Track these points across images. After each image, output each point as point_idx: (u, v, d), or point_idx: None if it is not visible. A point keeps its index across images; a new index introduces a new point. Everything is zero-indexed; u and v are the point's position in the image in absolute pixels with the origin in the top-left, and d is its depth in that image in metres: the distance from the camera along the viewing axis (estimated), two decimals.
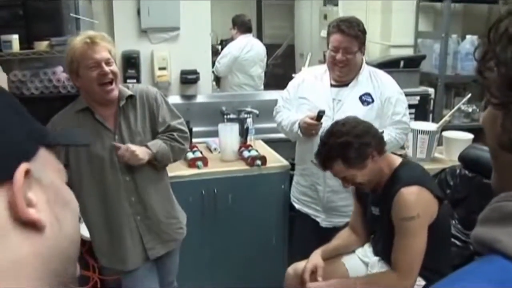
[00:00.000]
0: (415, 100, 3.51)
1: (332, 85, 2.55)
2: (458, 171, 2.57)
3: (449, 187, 2.57)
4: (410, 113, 2.64)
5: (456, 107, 3.29)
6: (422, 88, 3.68)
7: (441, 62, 3.60)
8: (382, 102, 2.50)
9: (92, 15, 3.27)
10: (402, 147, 3.00)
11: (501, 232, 0.59)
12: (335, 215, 2.58)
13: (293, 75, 3.55)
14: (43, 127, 0.55)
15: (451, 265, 2.10)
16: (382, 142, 2.02)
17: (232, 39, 4.55)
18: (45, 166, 0.52)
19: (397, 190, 1.91)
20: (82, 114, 2.10)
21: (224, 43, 4.88)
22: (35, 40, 2.91)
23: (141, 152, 2.10)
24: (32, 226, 0.47)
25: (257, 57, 4.45)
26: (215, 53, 4.30)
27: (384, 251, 2.08)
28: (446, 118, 3.14)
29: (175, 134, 2.21)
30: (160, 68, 3.43)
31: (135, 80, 3.24)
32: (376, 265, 2.14)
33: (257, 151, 3.07)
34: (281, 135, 2.86)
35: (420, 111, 3.54)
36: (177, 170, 2.79)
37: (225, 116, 3.52)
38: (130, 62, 3.31)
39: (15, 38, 2.84)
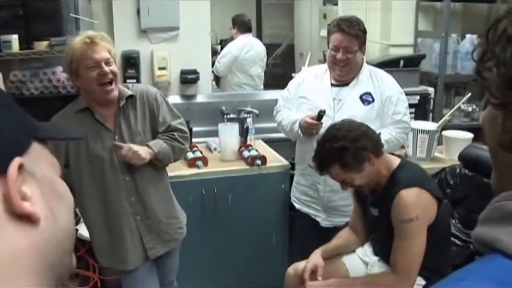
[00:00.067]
0: (415, 99, 3.51)
1: (332, 85, 2.54)
2: (458, 170, 2.57)
3: (449, 186, 2.57)
4: (410, 113, 2.64)
5: (456, 107, 3.29)
6: (422, 88, 3.69)
7: (441, 61, 3.60)
8: (382, 101, 2.49)
9: (92, 15, 3.27)
10: (402, 147, 3.00)
11: (501, 232, 0.59)
12: (335, 214, 2.58)
13: (293, 74, 3.55)
14: (35, 121, 0.55)
15: (451, 265, 2.10)
16: (379, 144, 2.02)
17: (232, 38, 4.54)
18: (39, 160, 0.52)
19: (396, 192, 1.90)
20: (82, 114, 2.10)
21: (223, 43, 4.88)
22: (34, 40, 2.91)
23: (143, 152, 2.10)
24: (27, 219, 0.48)
25: (257, 57, 4.45)
26: (214, 53, 4.29)
27: (383, 252, 2.08)
28: (446, 117, 3.14)
29: (175, 134, 2.21)
30: (160, 68, 3.43)
31: (135, 80, 3.24)
32: (376, 264, 2.14)
33: (257, 150, 3.07)
34: (281, 135, 2.86)
35: (420, 110, 3.54)
36: (177, 170, 2.79)
37: (225, 116, 3.51)
38: (130, 62, 3.31)
39: (14, 38, 2.84)
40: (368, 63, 2.66)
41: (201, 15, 3.52)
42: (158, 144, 2.15)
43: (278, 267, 2.85)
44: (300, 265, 2.24)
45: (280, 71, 5.37)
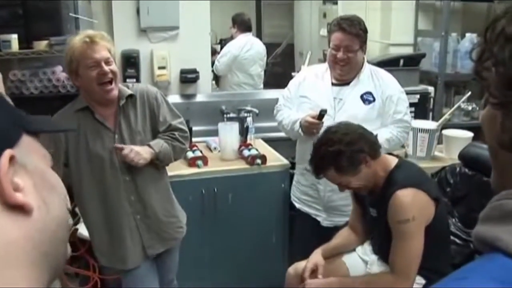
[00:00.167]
0: (415, 98, 3.51)
1: (333, 84, 2.54)
2: (458, 169, 2.57)
3: (449, 185, 2.57)
4: (410, 112, 2.64)
5: (456, 106, 3.29)
6: (422, 87, 3.69)
7: (441, 60, 3.60)
8: (383, 100, 2.49)
9: (91, 15, 3.27)
10: (402, 146, 3.00)
11: (502, 230, 0.59)
12: (335, 214, 2.58)
13: (293, 74, 3.55)
14: (25, 114, 0.55)
15: (451, 264, 2.10)
16: (376, 146, 2.01)
17: (231, 38, 4.54)
18: (30, 152, 0.53)
19: (392, 193, 1.90)
20: (81, 113, 2.10)
21: (223, 42, 4.88)
22: (34, 39, 2.90)
23: (145, 152, 2.10)
24: (20, 209, 0.48)
25: (256, 56, 4.45)
26: (214, 52, 4.29)
27: (382, 252, 2.08)
28: (446, 116, 3.14)
29: (176, 133, 2.21)
30: (160, 68, 3.43)
31: (134, 80, 3.24)
32: (376, 263, 2.14)
33: (257, 150, 3.07)
34: (281, 134, 2.86)
35: (420, 109, 3.54)
36: (177, 169, 2.79)
37: (225, 115, 3.51)
38: (130, 61, 3.31)
39: (14, 37, 2.84)
40: (368, 62, 2.66)
41: (201, 14, 3.52)
42: (159, 144, 2.15)
43: (278, 266, 2.86)
44: (300, 264, 2.24)
45: (280, 70, 5.37)
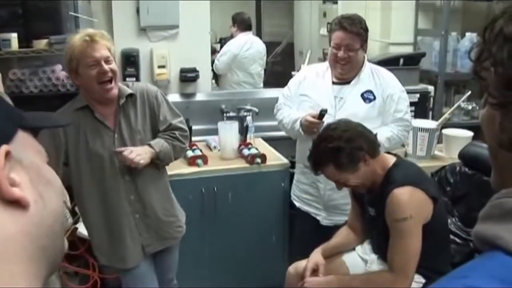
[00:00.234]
0: (415, 97, 3.50)
1: (333, 83, 2.54)
2: (458, 168, 2.57)
3: (449, 184, 2.57)
4: (410, 111, 2.64)
5: (456, 105, 3.29)
6: (421, 86, 3.69)
7: (441, 59, 3.60)
8: (384, 99, 2.49)
9: (91, 14, 3.26)
10: (402, 145, 3.00)
11: (502, 229, 0.59)
12: (336, 213, 2.58)
13: (293, 73, 3.55)
14: (19, 110, 0.56)
15: (451, 263, 2.10)
16: (375, 145, 2.01)
17: (231, 37, 4.54)
18: (25, 147, 0.53)
19: (390, 191, 1.90)
20: (81, 112, 2.10)
21: (223, 41, 4.87)
22: (34, 38, 2.90)
23: (145, 152, 2.09)
24: (17, 204, 0.48)
25: (256, 55, 4.45)
26: (213, 52, 4.29)
27: (382, 251, 2.08)
28: (446, 115, 3.14)
29: (176, 133, 2.21)
30: (160, 66, 3.43)
31: (134, 79, 3.23)
32: (375, 262, 2.14)
33: (257, 149, 3.07)
34: (281, 133, 2.85)
35: (420, 108, 3.54)
36: (177, 168, 2.79)
37: (224, 114, 3.51)
38: (129, 60, 3.31)
39: (14, 36, 2.83)
40: (368, 61, 2.66)
41: (201, 13, 3.52)
42: (160, 144, 2.15)
43: (278, 265, 2.86)
44: (300, 264, 2.24)
45: (279, 69, 5.37)
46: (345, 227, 2.33)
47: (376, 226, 2.09)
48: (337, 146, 1.92)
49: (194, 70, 3.51)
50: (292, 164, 2.91)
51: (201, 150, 3.05)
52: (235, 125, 3.09)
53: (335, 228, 2.42)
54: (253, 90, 4.16)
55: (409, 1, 3.87)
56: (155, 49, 3.42)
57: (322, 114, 2.38)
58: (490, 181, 0.70)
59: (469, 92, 3.27)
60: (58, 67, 2.99)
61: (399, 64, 3.59)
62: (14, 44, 2.84)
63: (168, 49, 3.44)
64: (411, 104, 2.66)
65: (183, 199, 2.52)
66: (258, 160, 2.94)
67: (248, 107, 3.55)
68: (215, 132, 3.15)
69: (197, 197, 2.88)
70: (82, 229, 2.55)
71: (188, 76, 3.50)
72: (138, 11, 3.34)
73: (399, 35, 3.90)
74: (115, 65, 2.06)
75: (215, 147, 3.19)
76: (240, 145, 3.09)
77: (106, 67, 2.00)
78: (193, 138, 3.08)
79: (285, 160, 3.04)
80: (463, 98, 3.26)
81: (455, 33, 3.67)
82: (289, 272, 2.31)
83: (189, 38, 3.49)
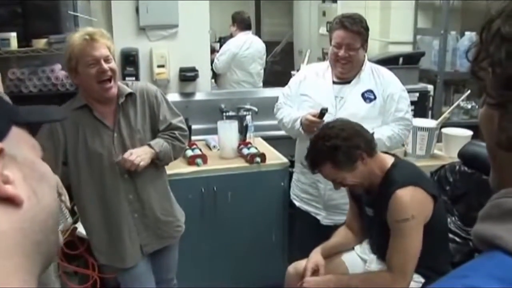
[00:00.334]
0: (414, 97, 3.50)
1: (334, 82, 2.54)
2: (457, 167, 2.57)
3: (449, 183, 2.57)
4: (410, 110, 2.64)
5: (455, 104, 3.29)
6: (421, 85, 3.69)
7: (440, 58, 3.60)
8: (384, 99, 2.49)
9: (91, 13, 3.26)
10: (402, 144, 3.00)
11: (501, 229, 0.59)
12: (336, 212, 2.58)
13: (292, 72, 3.55)
14: (13, 106, 0.55)
15: (451, 262, 2.10)
16: (373, 144, 2.01)
17: (231, 36, 4.54)
18: (19, 143, 0.53)
19: (392, 192, 1.89)
20: (80, 111, 2.09)
21: (222, 40, 4.87)
22: (33, 37, 2.90)
23: (145, 153, 2.09)
24: (10, 202, 0.48)
25: (256, 54, 4.45)
26: (213, 51, 4.29)
27: (381, 251, 2.08)
28: (446, 114, 3.14)
29: (176, 132, 2.21)
30: (159, 66, 3.43)
31: (133, 78, 3.23)
32: (374, 261, 2.14)
33: (256, 148, 3.07)
34: (281, 132, 2.85)
35: (419, 107, 3.54)
36: (177, 167, 2.79)
37: (224, 114, 3.51)
38: (129, 59, 3.31)
39: (13, 36, 2.83)
40: (368, 60, 2.66)
41: (200, 12, 3.51)
42: (160, 144, 2.15)
43: (277, 265, 2.86)
44: (300, 264, 2.24)
45: (279, 69, 5.37)
46: (343, 227, 2.32)
47: (374, 227, 2.09)
48: (334, 145, 1.92)
49: (193, 69, 3.50)
50: (292, 164, 2.91)
51: (200, 150, 3.05)
52: (234, 124, 3.09)
53: (335, 228, 2.42)
54: (252, 90, 4.16)
55: (408, 0, 3.87)
56: (155, 48, 3.42)
57: (322, 113, 2.38)
58: (489, 181, 0.70)
59: (469, 91, 3.27)
60: (58, 66, 2.99)
61: (399, 63, 3.59)
62: (13, 44, 2.83)
63: (167, 49, 3.44)
64: (411, 103, 2.65)
65: (183, 198, 2.52)
66: (258, 159, 2.94)
67: (248, 106, 3.55)
68: (214, 131, 3.15)
69: (196, 197, 2.88)
70: (81, 229, 2.55)
71: (187, 76, 3.50)
72: (137, 10, 3.34)
73: (399, 34, 3.90)
74: (114, 64, 2.06)
75: (214, 146, 3.19)
76: (239, 145, 3.09)
77: (105, 66, 2.00)
78: (193, 138, 3.08)
79: (284, 160, 3.04)
80: (462, 97, 3.26)
81: (454, 32, 3.67)
82: (288, 272, 2.31)
83: (189, 37, 3.49)
